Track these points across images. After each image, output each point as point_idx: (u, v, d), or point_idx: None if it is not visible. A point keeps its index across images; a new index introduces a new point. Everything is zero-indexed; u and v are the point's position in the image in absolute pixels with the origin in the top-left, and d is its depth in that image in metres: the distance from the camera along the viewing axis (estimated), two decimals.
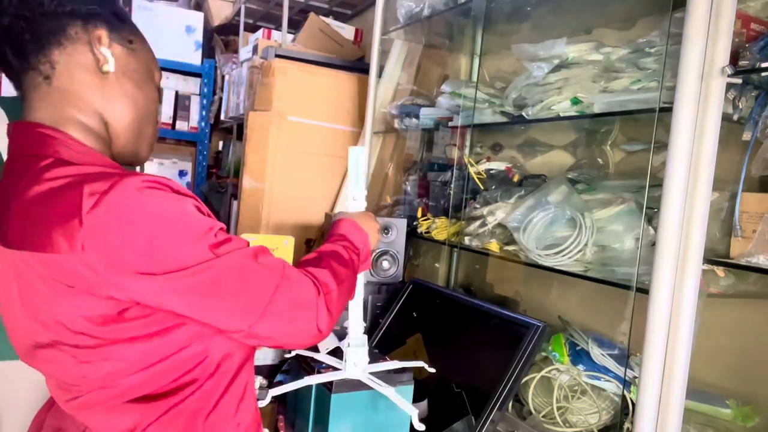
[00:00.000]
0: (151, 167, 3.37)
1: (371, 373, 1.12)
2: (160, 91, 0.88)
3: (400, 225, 1.70)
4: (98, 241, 0.65)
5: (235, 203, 2.64)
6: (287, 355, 1.30)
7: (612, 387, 1.22)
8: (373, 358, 1.16)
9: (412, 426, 1.14)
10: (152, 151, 0.89)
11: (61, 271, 0.67)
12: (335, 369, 1.12)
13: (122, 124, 0.80)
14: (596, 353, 1.25)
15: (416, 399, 1.22)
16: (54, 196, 0.67)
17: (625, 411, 1.18)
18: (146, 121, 0.84)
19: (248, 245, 0.76)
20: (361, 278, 1.12)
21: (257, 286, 0.73)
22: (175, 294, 0.69)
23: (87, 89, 0.77)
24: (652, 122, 1.11)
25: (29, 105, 0.77)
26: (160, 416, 0.75)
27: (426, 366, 1.20)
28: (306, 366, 1.19)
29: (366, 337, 1.13)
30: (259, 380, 1.44)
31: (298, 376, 1.13)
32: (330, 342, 1.20)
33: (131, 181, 0.67)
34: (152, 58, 0.86)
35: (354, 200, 1.11)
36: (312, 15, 2.55)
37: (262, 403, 1.08)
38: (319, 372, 1.13)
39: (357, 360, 1.11)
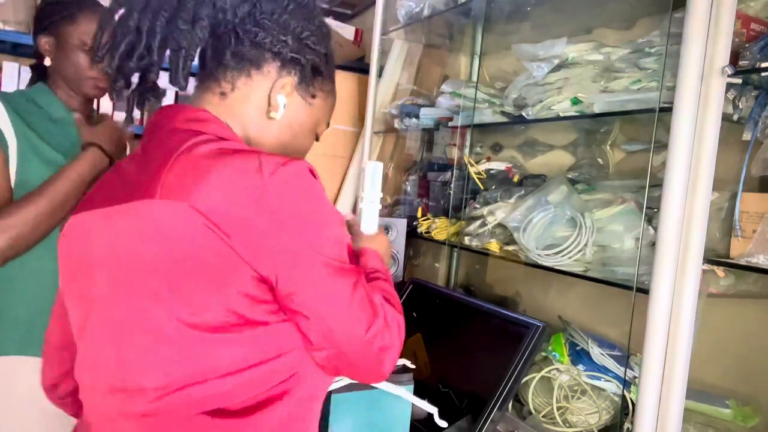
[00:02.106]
0: None
1: None
2: (317, 137, 0.94)
3: (400, 225, 1.70)
4: (273, 204, 0.67)
5: None
6: None
7: (612, 387, 1.22)
8: None
9: (412, 425, 1.15)
10: None
11: (223, 224, 0.66)
12: None
13: None
14: (596, 353, 1.25)
15: None
16: (228, 156, 0.69)
17: (625, 411, 1.18)
18: None
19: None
20: None
21: (365, 310, 0.73)
22: (307, 278, 0.70)
23: (249, 120, 0.81)
24: (652, 122, 1.11)
25: (199, 101, 0.82)
26: None
27: (408, 363, 1.20)
28: None
29: None
30: None
31: None
32: None
33: (304, 164, 0.71)
34: (325, 114, 0.90)
35: (371, 203, 1.10)
36: None
37: None
38: None
39: None
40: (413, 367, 1.20)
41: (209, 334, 0.68)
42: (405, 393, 1.08)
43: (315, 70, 0.84)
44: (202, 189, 0.66)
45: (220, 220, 0.65)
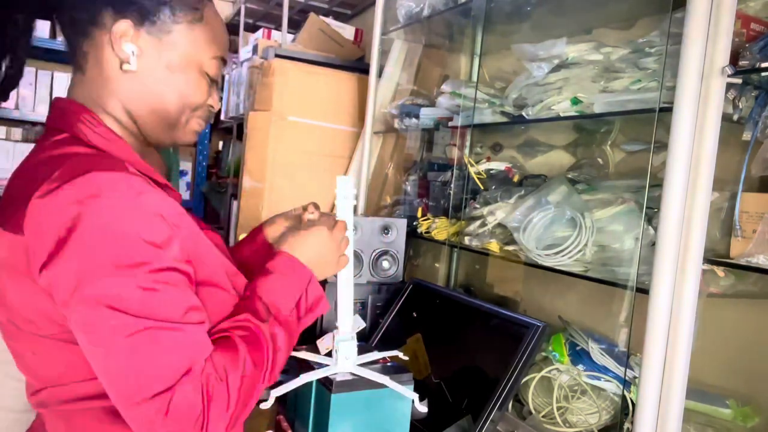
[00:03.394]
0: None
1: (361, 365, 1.15)
2: (215, 79, 0.82)
3: (400, 225, 1.70)
4: (32, 229, 0.63)
5: (235, 203, 2.64)
6: None
7: (612, 387, 1.22)
8: (360, 350, 1.18)
9: (412, 425, 1.15)
10: (195, 136, 0.85)
11: (14, 252, 0.66)
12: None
13: (146, 118, 0.78)
14: (596, 353, 1.25)
15: None
16: (33, 174, 0.66)
17: (625, 411, 1.18)
18: (179, 112, 0.79)
19: (181, 303, 0.66)
20: (348, 279, 1.06)
21: (147, 370, 0.62)
22: (72, 313, 0.63)
23: (113, 85, 0.75)
24: (652, 122, 1.11)
25: (71, 87, 0.78)
26: None
27: (400, 354, 1.22)
28: (305, 365, 1.19)
29: (355, 332, 1.16)
30: None
31: (297, 376, 1.13)
32: (327, 341, 1.20)
33: (99, 178, 0.63)
34: (200, 47, 0.78)
35: (344, 199, 1.06)
36: (312, 15, 2.55)
37: (266, 405, 1.08)
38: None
39: (348, 354, 1.13)
40: (405, 357, 1.22)
41: (52, 342, 0.69)
42: (388, 381, 1.10)
43: (155, 2, 0.75)
44: (4, 217, 0.67)
45: (13, 255, 0.66)
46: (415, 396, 1.11)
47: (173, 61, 0.77)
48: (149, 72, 0.76)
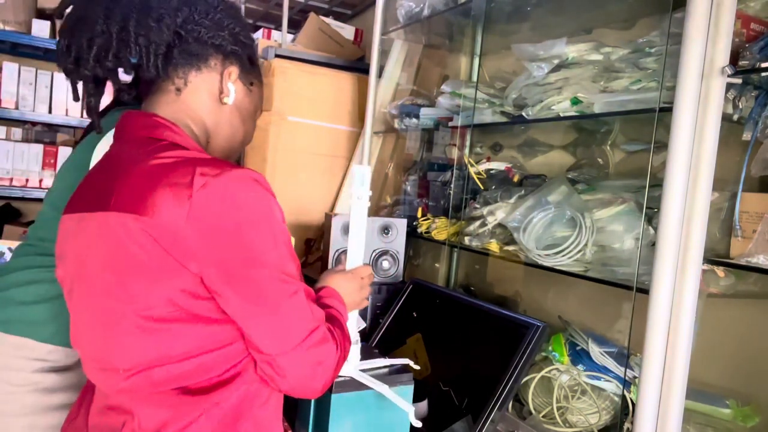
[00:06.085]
0: None
1: (363, 370, 1.13)
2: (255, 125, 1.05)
3: (400, 225, 1.70)
4: (200, 217, 0.73)
5: None
6: None
7: (612, 387, 1.22)
8: (367, 355, 1.17)
9: (412, 426, 1.15)
10: None
11: (160, 235, 0.73)
12: None
13: (220, 145, 0.96)
14: (596, 353, 1.25)
15: (416, 399, 1.22)
16: (167, 170, 0.76)
17: (625, 411, 1.18)
18: (238, 147, 1.00)
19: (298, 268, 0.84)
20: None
21: (300, 321, 0.80)
22: (236, 285, 0.75)
23: (205, 110, 0.92)
24: (652, 122, 1.11)
25: (153, 102, 0.90)
26: (200, 414, 0.79)
27: (411, 363, 1.21)
28: None
29: (359, 335, 1.15)
30: None
31: None
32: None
33: (238, 173, 0.76)
34: (261, 100, 1.03)
35: (358, 199, 1.10)
36: (312, 15, 2.55)
37: None
38: None
39: (350, 357, 1.12)
40: (417, 367, 1.21)
41: (159, 324, 0.76)
42: (387, 390, 1.09)
43: (251, 60, 0.97)
44: (143, 203, 0.74)
45: (157, 230, 0.74)
46: (411, 410, 1.10)
47: (248, 107, 0.99)
48: (235, 110, 0.96)
